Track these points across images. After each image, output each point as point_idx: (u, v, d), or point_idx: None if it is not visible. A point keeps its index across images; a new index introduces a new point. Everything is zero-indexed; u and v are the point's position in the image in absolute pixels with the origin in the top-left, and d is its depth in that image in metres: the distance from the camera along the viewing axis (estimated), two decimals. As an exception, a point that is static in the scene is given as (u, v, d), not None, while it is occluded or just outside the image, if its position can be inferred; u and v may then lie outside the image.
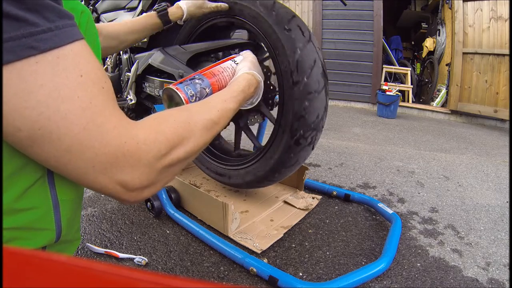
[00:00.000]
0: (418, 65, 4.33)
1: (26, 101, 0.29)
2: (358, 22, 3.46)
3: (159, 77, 1.09)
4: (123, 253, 0.91)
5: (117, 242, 0.97)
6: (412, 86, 3.69)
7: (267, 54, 0.96)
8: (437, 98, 3.60)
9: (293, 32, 0.83)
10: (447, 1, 3.53)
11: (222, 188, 1.26)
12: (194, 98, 0.66)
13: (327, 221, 1.13)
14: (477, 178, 1.61)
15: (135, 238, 1.00)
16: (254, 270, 0.82)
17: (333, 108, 3.56)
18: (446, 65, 3.64)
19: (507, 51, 2.75)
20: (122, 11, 1.31)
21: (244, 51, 0.81)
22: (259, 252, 0.93)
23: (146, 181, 0.37)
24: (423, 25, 4.22)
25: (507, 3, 2.72)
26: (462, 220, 1.18)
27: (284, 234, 1.01)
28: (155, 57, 1.05)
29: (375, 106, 3.40)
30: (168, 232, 1.04)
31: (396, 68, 3.84)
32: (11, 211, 0.34)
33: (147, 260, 0.89)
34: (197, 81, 0.68)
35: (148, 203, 1.10)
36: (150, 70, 1.13)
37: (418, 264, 0.91)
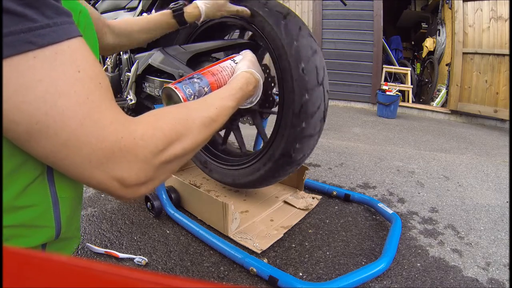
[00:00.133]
0: (418, 65, 4.33)
1: (24, 96, 0.29)
2: (358, 22, 3.46)
3: (159, 77, 1.09)
4: (123, 253, 0.91)
5: (117, 242, 0.97)
6: (412, 86, 3.69)
7: (267, 53, 0.96)
8: (437, 98, 3.60)
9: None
10: (447, 1, 3.53)
11: (222, 188, 1.26)
12: (192, 97, 0.66)
13: (327, 221, 1.13)
14: (477, 178, 1.61)
15: (135, 238, 1.00)
16: (254, 270, 0.82)
17: (333, 108, 3.56)
18: (446, 65, 3.64)
19: (507, 51, 2.75)
20: (122, 11, 1.31)
21: (244, 51, 0.81)
22: (259, 252, 0.93)
23: (143, 177, 0.37)
24: (423, 25, 4.22)
25: (507, 3, 2.72)
26: (462, 220, 1.18)
27: (284, 234, 1.01)
28: (155, 57, 1.05)
29: (375, 106, 3.40)
30: (168, 232, 1.04)
31: (396, 68, 3.84)
32: (11, 209, 0.35)
33: (147, 260, 0.89)
34: (195, 80, 0.68)
35: (148, 203, 1.11)
36: (150, 70, 1.13)
37: (418, 264, 0.91)
